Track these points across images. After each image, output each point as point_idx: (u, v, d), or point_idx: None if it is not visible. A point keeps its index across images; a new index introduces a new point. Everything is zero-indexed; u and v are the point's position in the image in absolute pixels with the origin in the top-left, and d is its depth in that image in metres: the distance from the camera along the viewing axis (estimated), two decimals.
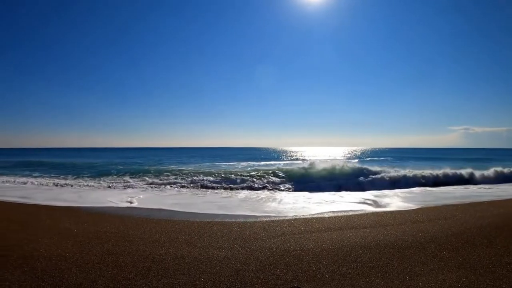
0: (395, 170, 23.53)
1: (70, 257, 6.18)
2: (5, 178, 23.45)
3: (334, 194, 15.41)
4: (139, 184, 20.31)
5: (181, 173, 25.71)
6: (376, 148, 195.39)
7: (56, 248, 6.71)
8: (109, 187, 19.35)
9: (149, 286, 4.86)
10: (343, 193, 16.27)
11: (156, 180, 21.78)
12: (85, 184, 20.44)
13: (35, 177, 25.02)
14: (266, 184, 20.45)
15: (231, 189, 18.98)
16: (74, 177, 24.80)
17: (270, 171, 24.45)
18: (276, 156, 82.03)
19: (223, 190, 18.59)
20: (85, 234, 7.90)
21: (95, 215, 10.65)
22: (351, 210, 11.28)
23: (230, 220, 9.81)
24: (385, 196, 14.85)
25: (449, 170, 23.82)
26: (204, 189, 18.83)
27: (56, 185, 20.00)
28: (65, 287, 4.84)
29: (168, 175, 24.30)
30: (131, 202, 13.23)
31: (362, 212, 10.91)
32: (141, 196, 14.82)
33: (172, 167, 33.82)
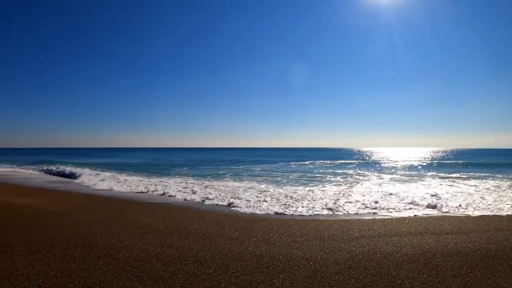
0: None
1: (151, 250, 6.27)
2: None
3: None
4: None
5: None
6: (459, 150, 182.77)
7: (138, 241, 6.87)
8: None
9: (227, 282, 4.76)
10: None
11: None
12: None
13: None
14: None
15: None
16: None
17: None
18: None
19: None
20: (166, 229, 8.04)
21: (175, 211, 10.93)
22: (427, 214, 10.62)
23: (308, 219, 9.64)
24: None
25: None
26: None
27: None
28: (146, 278, 4.87)
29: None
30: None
31: (443, 215, 10.17)
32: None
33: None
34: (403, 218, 9.62)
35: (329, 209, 11.11)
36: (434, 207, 11.06)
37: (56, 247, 6.31)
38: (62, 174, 27.35)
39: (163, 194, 15.01)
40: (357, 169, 35.98)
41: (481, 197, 13.73)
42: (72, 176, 25.56)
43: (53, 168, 31.29)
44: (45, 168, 32.04)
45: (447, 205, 11.53)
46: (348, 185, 19.65)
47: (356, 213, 10.48)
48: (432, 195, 13.90)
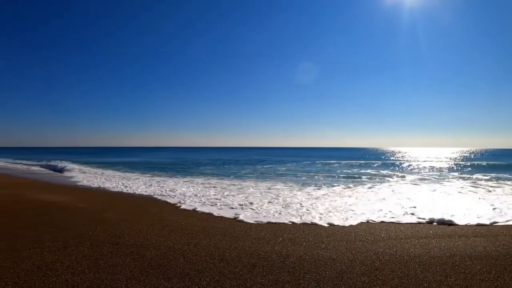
0: None
1: (178, 248, 6.30)
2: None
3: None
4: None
5: None
6: (487, 150, 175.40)
7: (165, 239, 6.92)
8: None
9: (254, 281, 4.73)
10: None
11: None
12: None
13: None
14: None
15: None
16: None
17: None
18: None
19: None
20: (193, 228, 8.08)
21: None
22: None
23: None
24: None
25: None
26: None
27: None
28: (172, 275, 4.89)
29: None
30: None
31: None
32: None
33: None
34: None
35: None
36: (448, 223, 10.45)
37: (84, 244, 6.42)
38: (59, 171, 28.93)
39: (188, 194, 15.06)
40: (383, 169, 35.27)
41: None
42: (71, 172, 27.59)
43: (75, 167, 32.23)
44: (66, 166, 32.93)
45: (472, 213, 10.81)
46: (374, 186, 19.26)
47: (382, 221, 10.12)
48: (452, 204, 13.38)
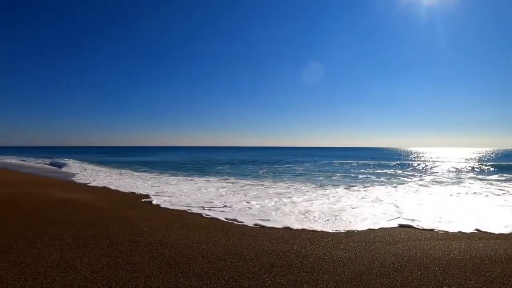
0: None
1: (197, 247, 6.32)
2: None
3: None
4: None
5: None
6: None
7: (184, 238, 6.94)
8: None
9: (272, 281, 4.70)
10: None
11: None
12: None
13: None
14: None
15: None
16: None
17: None
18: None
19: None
20: (212, 227, 8.10)
21: None
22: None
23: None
24: None
25: None
26: None
27: None
28: (191, 274, 4.90)
29: None
30: None
31: None
32: None
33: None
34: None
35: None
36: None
37: (103, 242, 6.49)
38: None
39: (202, 195, 15.11)
40: (401, 169, 34.80)
41: None
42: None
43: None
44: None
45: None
46: (392, 187, 18.98)
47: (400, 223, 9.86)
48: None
